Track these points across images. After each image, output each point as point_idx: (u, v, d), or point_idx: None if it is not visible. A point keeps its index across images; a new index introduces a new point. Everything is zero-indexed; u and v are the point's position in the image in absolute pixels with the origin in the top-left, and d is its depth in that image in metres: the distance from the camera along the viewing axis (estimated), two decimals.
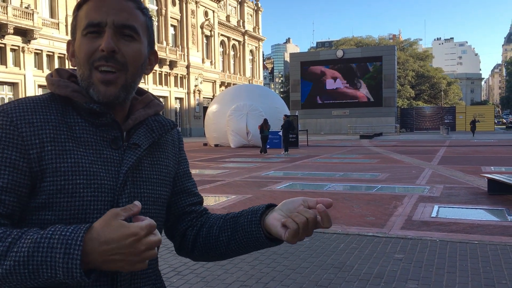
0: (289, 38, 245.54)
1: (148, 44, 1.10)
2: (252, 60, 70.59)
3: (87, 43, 1.01)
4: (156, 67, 44.98)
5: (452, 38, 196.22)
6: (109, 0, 1.02)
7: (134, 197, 1.03)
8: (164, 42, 47.03)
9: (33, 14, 32.48)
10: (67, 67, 0.87)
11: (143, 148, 1.07)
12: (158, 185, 1.10)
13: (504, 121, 78.47)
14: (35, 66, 33.71)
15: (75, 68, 1.08)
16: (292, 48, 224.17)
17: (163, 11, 47.65)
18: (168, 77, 47.74)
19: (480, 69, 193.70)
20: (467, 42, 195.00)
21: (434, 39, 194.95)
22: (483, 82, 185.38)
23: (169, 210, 1.19)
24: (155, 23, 47.21)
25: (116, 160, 1.03)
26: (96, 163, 1.00)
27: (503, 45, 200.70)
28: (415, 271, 4.56)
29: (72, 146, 0.99)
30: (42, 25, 33.68)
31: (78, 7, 1.06)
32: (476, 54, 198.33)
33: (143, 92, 1.17)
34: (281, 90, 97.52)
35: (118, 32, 1.02)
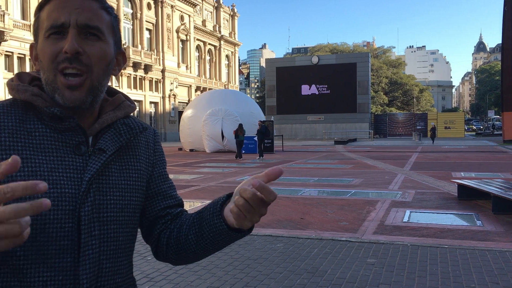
0: (265, 44, 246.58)
1: (114, 44, 1.07)
2: (228, 65, 70.60)
3: (50, 45, 0.98)
4: (131, 71, 44.58)
5: (424, 46, 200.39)
6: (71, 0, 0.98)
7: (98, 205, 1.00)
8: (139, 46, 46.61)
9: (3, 15, 31.76)
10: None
11: (109, 153, 1.03)
12: (127, 191, 1.06)
13: (474, 127, 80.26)
14: (6, 69, 32.91)
15: (39, 71, 1.04)
16: (268, 53, 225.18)
17: (138, 15, 47.24)
18: (143, 81, 47.28)
19: (451, 77, 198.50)
20: (438, 51, 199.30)
21: (407, 47, 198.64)
22: (454, 90, 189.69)
23: (143, 214, 1.15)
24: (130, 27, 46.77)
25: (80, 166, 0.99)
26: (56, 171, 0.96)
27: (473, 54, 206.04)
28: (387, 275, 4.62)
29: (30, 154, 0.95)
30: (13, 26, 32.96)
31: (39, 8, 1.01)
32: (447, 62, 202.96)
33: (114, 92, 1.13)
34: (257, 95, 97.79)
35: (82, 33, 0.98)
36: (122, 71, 42.72)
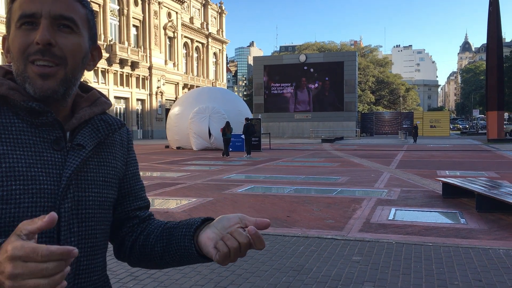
0: (253, 42, 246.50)
1: (89, 38, 1.04)
2: (216, 63, 70.39)
3: (21, 36, 0.95)
4: (118, 68, 44.20)
5: (410, 46, 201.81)
6: None
7: (78, 201, 0.98)
8: (126, 43, 46.21)
9: None
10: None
11: (88, 149, 1.01)
12: (105, 188, 1.05)
13: (459, 126, 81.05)
14: None
15: (11, 63, 1.01)
16: (255, 51, 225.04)
17: (125, 11, 46.83)
18: (130, 78, 46.90)
19: (437, 76, 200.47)
20: (424, 50, 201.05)
21: (394, 46, 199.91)
22: (439, 89, 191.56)
23: (113, 213, 1.13)
24: (117, 23, 46.36)
25: (58, 162, 0.97)
26: (35, 166, 0.94)
27: (458, 54, 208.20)
28: (372, 273, 4.65)
29: (7, 149, 0.92)
30: None
31: (12, 0, 0.99)
32: (433, 62, 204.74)
33: (88, 89, 1.11)
34: (245, 93, 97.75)
35: (55, 24, 0.96)
36: (108, 67, 42.44)
